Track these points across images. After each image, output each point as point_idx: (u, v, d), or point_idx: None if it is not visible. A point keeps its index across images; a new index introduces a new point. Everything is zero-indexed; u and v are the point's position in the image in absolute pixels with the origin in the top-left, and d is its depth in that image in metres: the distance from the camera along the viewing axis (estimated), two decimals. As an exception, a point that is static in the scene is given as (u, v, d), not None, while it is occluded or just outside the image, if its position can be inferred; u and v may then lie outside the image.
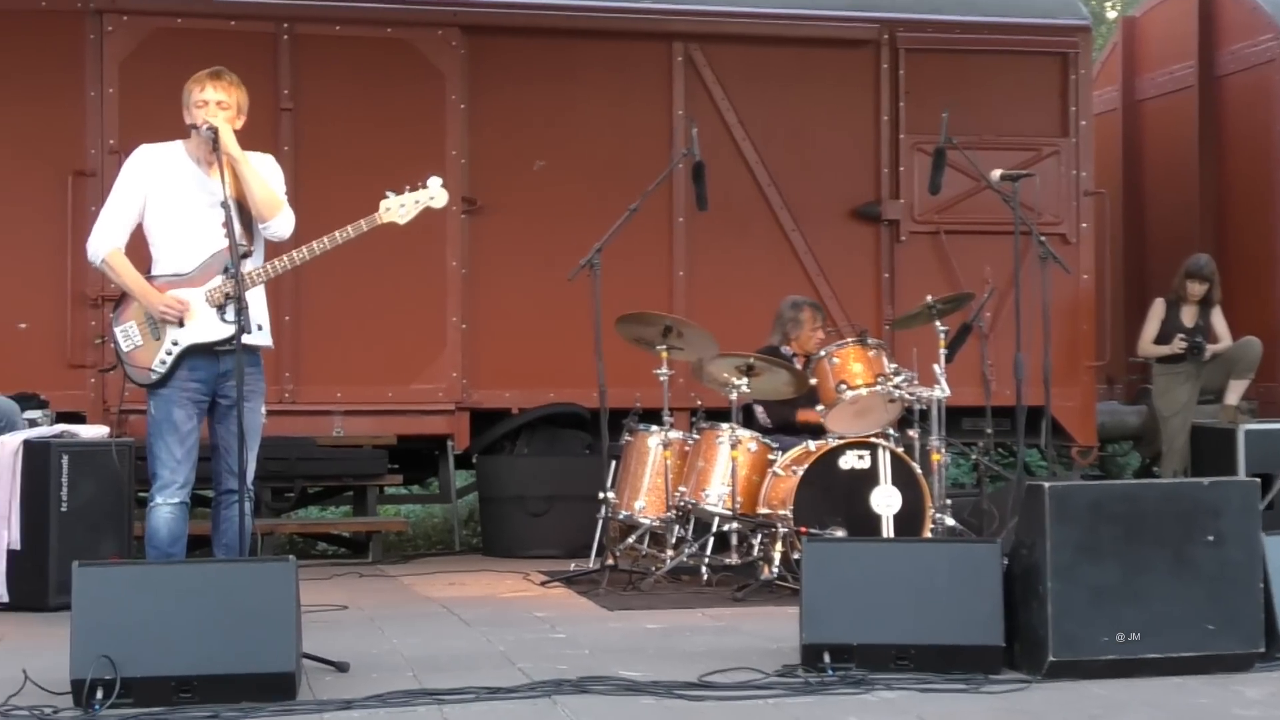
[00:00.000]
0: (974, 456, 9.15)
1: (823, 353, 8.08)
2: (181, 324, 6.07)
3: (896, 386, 7.93)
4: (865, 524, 7.63)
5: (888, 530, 7.65)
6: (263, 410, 6.30)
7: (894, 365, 8.05)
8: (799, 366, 8.39)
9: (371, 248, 8.68)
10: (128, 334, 6.16)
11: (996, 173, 8.05)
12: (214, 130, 5.98)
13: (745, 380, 8.03)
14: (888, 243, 10.20)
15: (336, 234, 6.13)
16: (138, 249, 6.25)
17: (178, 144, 6.24)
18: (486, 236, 9.71)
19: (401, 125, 9.52)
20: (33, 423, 8.10)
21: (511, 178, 9.76)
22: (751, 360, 8.04)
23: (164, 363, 6.09)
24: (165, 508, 6.10)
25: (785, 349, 8.74)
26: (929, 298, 8.28)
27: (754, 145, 10.05)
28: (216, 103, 6.08)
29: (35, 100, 9.19)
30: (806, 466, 7.71)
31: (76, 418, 8.74)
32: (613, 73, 9.93)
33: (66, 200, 9.12)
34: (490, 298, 9.70)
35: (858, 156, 10.21)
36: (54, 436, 7.37)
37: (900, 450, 7.84)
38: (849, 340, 8.16)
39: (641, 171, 9.15)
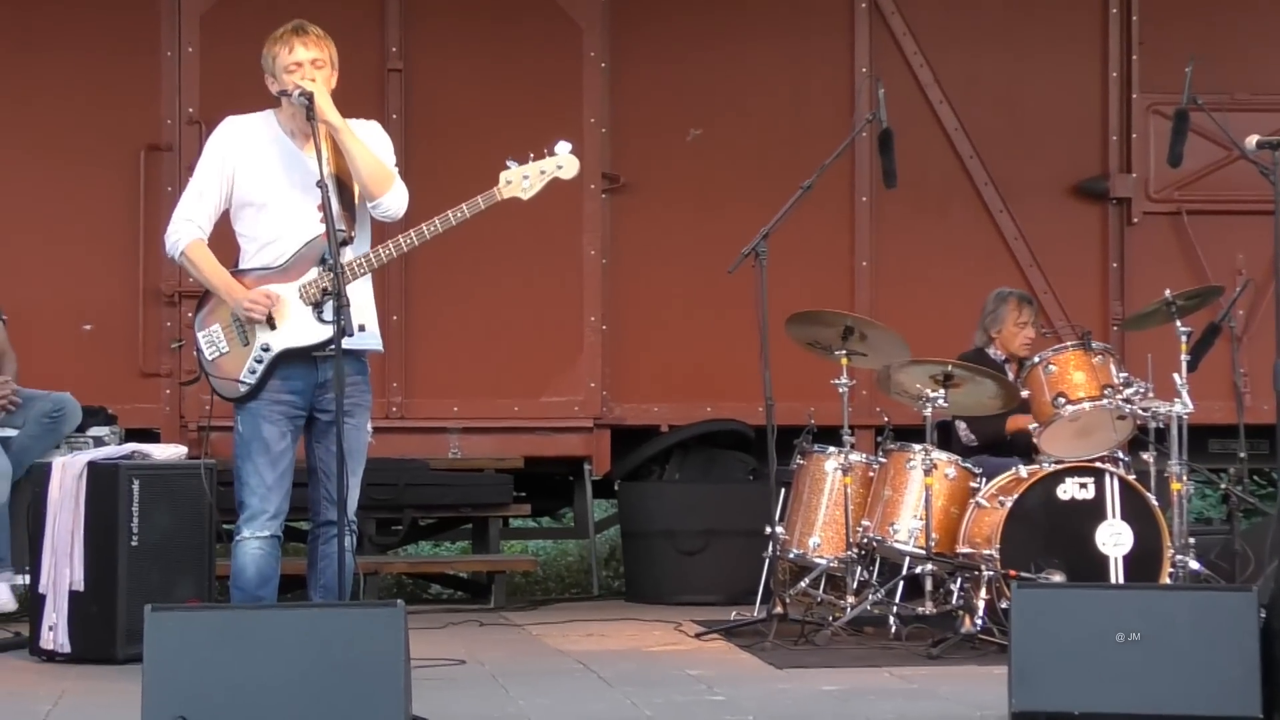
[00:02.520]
0: (1223, 486, 9.00)
1: (1037, 359, 8.00)
2: (272, 325, 6.15)
3: (1127, 400, 7.83)
4: (1088, 566, 7.56)
5: (1116, 575, 7.57)
6: (368, 427, 6.36)
7: (1124, 374, 7.96)
8: (1011, 375, 8.33)
9: (494, 234, 8.79)
10: (212, 340, 6.25)
11: (1253, 139, 7.88)
12: (308, 96, 6.05)
13: (942, 392, 7.96)
14: (1117, 225, 10.09)
15: (450, 214, 6.18)
16: (223, 243, 6.34)
17: (268, 114, 6.32)
18: (631, 220, 9.74)
19: (531, 88, 9.58)
20: (99, 441, 8.26)
21: (661, 150, 9.79)
22: (950, 368, 7.98)
23: (253, 372, 6.17)
24: (253, 543, 6.18)
25: (991, 351, 8.68)
26: (1167, 292, 8.17)
27: (953, 109, 9.98)
28: (311, 62, 6.14)
29: (101, 62, 9.37)
30: (1017, 496, 7.65)
31: (149, 435, 8.89)
32: (783, 23, 9.91)
33: (139, 179, 9.29)
34: (635, 293, 9.73)
35: (1080, 121, 10.09)
36: (123, 458, 7.49)
37: (1132, 478, 7.75)
38: (1069, 344, 8.07)
39: (817, 142, 9.13)
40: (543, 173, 6.31)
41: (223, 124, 6.34)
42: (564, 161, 6.35)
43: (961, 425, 8.61)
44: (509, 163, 6.28)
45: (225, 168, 6.25)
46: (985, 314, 8.78)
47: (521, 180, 6.28)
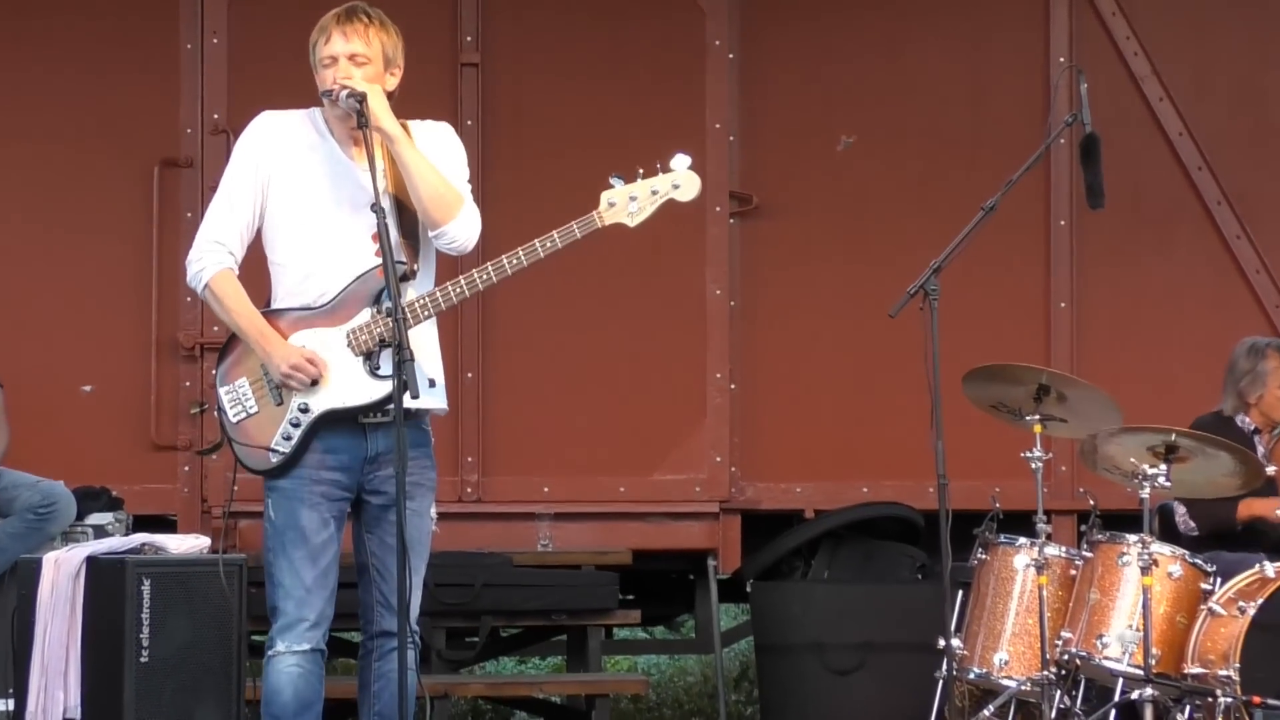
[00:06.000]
0: None
1: (1285, 423, 7.97)
2: (314, 381, 6.14)
3: (1404, 476, 7.78)
4: (1357, 691, 7.50)
5: (1394, 703, 7.50)
6: (432, 513, 6.36)
7: (1400, 443, 7.91)
8: (1262, 449, 8.27)
9: (595, 268, 8.81)
10: (237, 397, 6.26)
11: None
12: (358, 99, 6.06)
13: (1164, 468, 7.89)
14: (1388, 255, 10.03)
15: (537, 244, 6.16)
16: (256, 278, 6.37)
17: (313, 112, 6.32)
18: (766, 251, 9.74)
19: (640, 85, 9.62)
20: (100, 531, 8.31)
21: (804, 162, 9.80)
22: (1174, 437, 7.91)
23: (288, 438, 6.18)
24: (290, 658, 6.18)
25: (1242, 419, 8.61)
26: None
27: (1176, 108, 9.93)
28: (349, 57, 6.15)
29: (105, 58, 9.47)
30: (1261, 602, 7.62)
31: (164, 523, 8.94)
32: (958, 3, 9.90)
33: (151, 202, 9.36)
34: (772, 343, 9.73)
35: (1341, 122, 10.06)
36: (130, 552, 7.53)
37: None
38: (1326, 405, 8.02)
39: (1001, 151, 9.13)
40: (654, 193, 6.27)
41: (256, 120, 6.34)
42: (681, 179, 6.30)
43: (1180, 510, 8.55)
44: (613, 180, 6.24)
45: (259, 174, 6.25)
46: (1237, 373, 8.67)
47: (628, 202, 6.25)
